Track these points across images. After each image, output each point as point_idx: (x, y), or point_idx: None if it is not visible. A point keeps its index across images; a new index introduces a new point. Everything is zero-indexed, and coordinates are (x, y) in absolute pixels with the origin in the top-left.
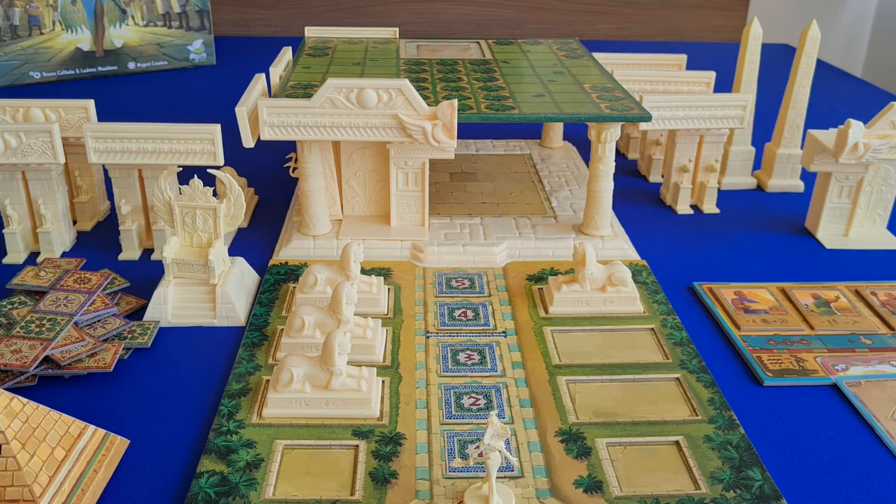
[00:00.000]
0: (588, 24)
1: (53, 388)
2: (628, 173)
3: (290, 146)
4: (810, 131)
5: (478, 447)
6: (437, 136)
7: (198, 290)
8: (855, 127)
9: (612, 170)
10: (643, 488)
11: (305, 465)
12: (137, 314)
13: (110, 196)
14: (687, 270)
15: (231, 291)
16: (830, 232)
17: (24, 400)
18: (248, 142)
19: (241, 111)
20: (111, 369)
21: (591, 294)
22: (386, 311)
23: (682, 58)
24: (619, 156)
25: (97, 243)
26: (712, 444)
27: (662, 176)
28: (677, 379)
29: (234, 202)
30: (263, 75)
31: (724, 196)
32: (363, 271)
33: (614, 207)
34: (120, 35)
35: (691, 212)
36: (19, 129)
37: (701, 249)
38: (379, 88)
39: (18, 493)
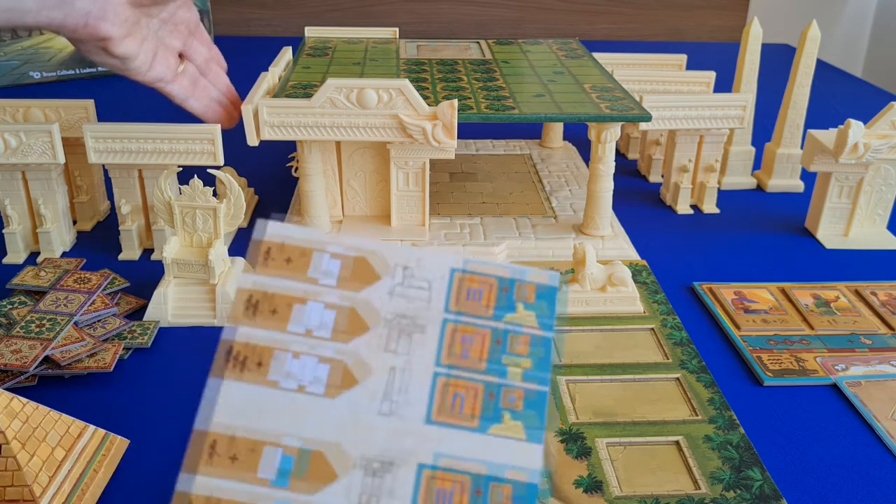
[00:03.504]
0: (588, 23)
1: (53, 388)
2: (628, 173)
3: (290, 146)
4: (810, 131)
5: None
6: (437, 136)
7: (198, 290)
8: (855, 127)
9: (612, 170)
10: (643, 488)
11: None
12: (137, 314)
13: (110, 196)
14: (687, 270)
15: (231, 291)
16: (830, 232)
17: (24, 400)
18: (253, 140)
19: (247, 109)
20: (111, 369)
21: (591, 294)
22: None
23: (682, 58)
24: (619, 156)
25: (97, 243)
26: (712, 444)
27: (662, 176)
28: (677, 379)
29: (234, 202)
30: (269, 74)
31: (724, 196)
32: None
33: (614, 207)
34: None
35: (691, 212)
36: (19, 129)
37: (701, 249)
38: (379, 88)
39: (18, 493)
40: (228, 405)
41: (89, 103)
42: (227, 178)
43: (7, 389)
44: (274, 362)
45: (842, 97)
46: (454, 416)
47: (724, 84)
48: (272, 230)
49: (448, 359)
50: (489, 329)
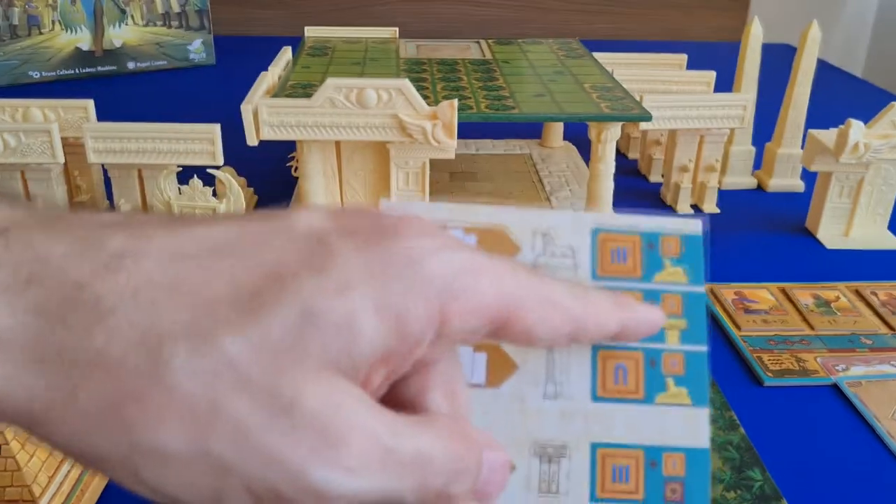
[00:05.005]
0: (588, 23)
1: None
2: (629, 173)
3: (290, 145)
4: (811, 131)
5: None
6: (437, 135)
7: None
8: (855, 127)
9: (613, 169)
10: None
11: None
12: None
13: (110, 196)
14: None
15: None
16: (831, 232)
17: None
18: (252, 140)
19: (247, 109)
20: None
21: None
22: None
23: (683, 57)
24: (620, 155)
25: None
26: (713, 444)
27: (663, 176)
28: None
29: (234, 202)
30: (269, 73)
31: (724, 196)
32: None
33: (615, 207)
34: (119, 35)
35: (692, 212)
36: (18, 129)
37: None
38: (379, 88)
39: (18, 494)
40: None
41: (89, 103)
42: (227, 177)
43: None
44: None
45: (842, 97)
46: (619, 389)
47: (725, 84)
48: (390, 209)
49: None
50: (640, 291)
